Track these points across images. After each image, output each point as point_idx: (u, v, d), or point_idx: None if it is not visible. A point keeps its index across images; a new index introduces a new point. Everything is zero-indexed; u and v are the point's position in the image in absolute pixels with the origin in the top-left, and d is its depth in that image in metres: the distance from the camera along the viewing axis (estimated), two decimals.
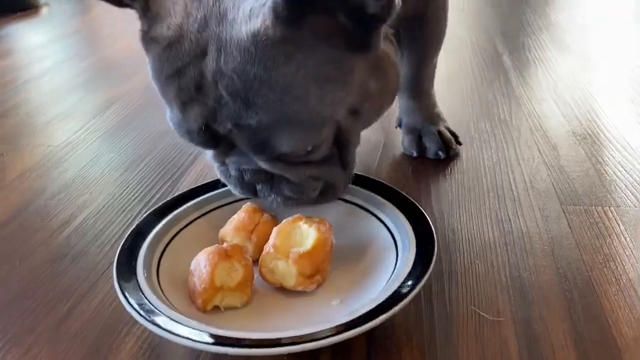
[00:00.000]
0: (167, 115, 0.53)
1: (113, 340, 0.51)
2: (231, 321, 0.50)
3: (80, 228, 0.69)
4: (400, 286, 0.48)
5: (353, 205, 0.63)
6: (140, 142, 0.94)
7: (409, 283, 0.48)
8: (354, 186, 0.63)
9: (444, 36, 0.79)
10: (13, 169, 0.87)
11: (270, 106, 0.46)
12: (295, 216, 0.56)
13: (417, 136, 0.83)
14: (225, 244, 0.53)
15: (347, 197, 0.63)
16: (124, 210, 0.73)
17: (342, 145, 0.55)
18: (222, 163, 0.56)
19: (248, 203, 0.61)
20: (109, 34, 1.74)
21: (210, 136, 0.51)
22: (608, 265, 0.57)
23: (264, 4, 0.45)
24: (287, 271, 0.52)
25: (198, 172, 0.82)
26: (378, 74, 0.53)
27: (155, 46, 0.50)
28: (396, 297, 0.47)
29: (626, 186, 0.71)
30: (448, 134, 0.83)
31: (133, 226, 0.59)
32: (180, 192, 0.66)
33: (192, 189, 0.66)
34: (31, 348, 0.51)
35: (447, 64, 1.20)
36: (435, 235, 0.54)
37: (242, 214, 0.59)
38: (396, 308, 0.46)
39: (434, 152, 0.81)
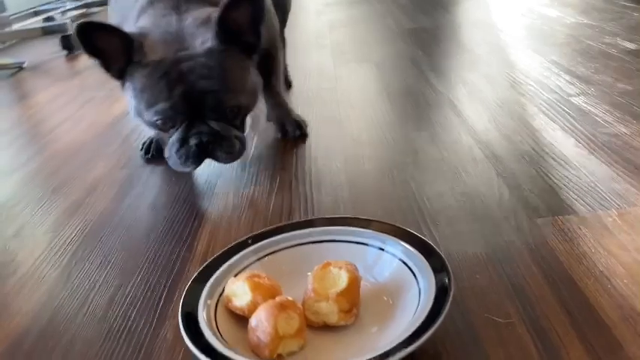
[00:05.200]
0: (145, 112, 0.93)
1: None
2: None
3: None
4: (431, 310, 0.57)
5: (364, 246, 0.73)
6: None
7: (436, 306, 0.57)
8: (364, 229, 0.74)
9: (283, 55, 1.39)
10: None
11: (224, 78, 0.94)
12: (323, 263, 0.64)
13: (281, 123, 1.25)
14: (277, 299, 0.60)
15: (358, 239, 0.73)
16: None
17: (243, 117, 1.00)
18: (185, 140, 0.94)
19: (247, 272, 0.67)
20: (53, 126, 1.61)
21: (186, 107, 0.92)
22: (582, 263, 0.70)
23: (207, 40, 0.94)
24: (329, 310, 0.61)
25: None
26: (256, 76, 1.03)
27: (144, 68, 0.92)
28: (431, 319, 0.56)
29: (575, 194, 0.86)
30: (300, 119, 1.25)
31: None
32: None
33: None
34: None
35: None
36: (447, 264, 0.63)
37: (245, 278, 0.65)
38: (435, 326, 0.54)
39: (292, 132, 1.23)
